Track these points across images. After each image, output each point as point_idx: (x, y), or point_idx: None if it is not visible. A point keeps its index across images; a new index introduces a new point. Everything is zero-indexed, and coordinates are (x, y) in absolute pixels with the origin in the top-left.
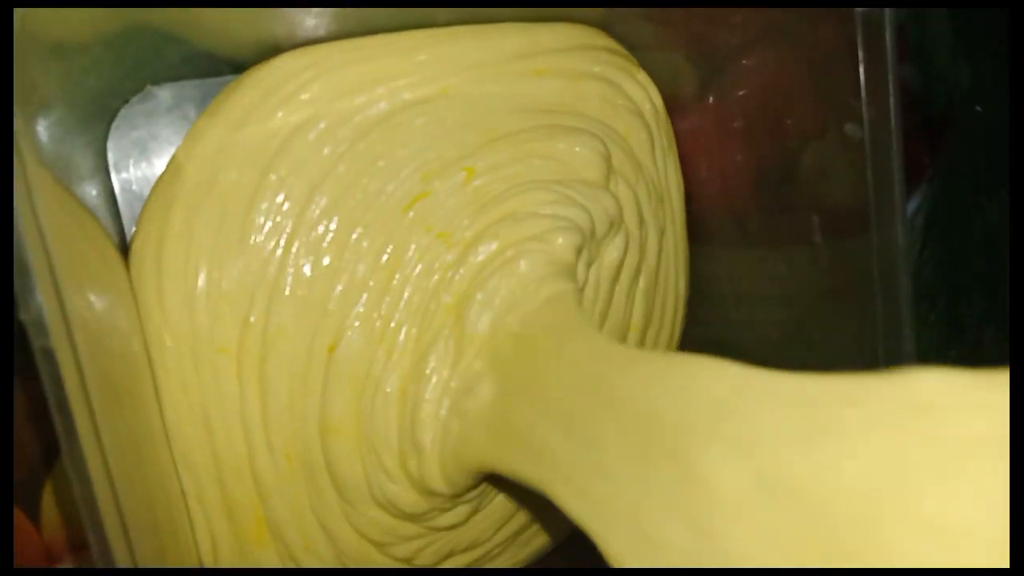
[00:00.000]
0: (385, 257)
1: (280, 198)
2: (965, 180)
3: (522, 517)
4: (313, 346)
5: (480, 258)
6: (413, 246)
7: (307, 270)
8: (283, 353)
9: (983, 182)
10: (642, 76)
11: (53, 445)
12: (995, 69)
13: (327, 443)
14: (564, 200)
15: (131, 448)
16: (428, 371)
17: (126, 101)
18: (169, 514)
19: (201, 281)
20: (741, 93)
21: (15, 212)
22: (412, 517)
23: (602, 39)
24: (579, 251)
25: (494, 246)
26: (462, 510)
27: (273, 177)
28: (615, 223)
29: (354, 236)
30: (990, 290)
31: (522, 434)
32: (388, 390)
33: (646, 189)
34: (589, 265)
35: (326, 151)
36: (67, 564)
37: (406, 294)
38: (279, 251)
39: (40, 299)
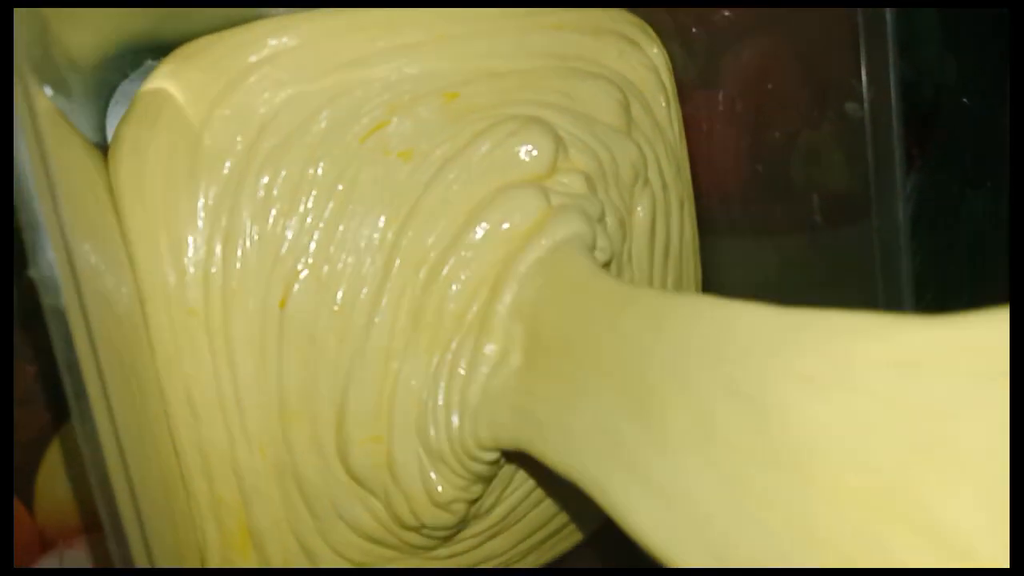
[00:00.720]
0: (340, 187)
1: (237, 139)
2: (952, 172)
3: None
4: (266, 302)
5: (452, 182)
6: (367, 172)
7: (262, 211)
8: (242, 312)
9: (970, 174)
10: (657, 45)
11: (47, 429)
12: (980, 64)
13: (287, 432)
14: (572, 117)
15: (137, 422)
16: (420, 341)
17: (125, 76)
18: (172, 500)
19: (163, 236)
20: (738, 78)
21: (23, 161)
22: (384, 543)
23: (618, 11)
24: (590, 181)
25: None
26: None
27: (224, 112)
28: (640, 173)
29: (309, 172)
30: (978, 281)
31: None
32: (353, 363)
33: (665, 151)
34: (622, 224)
35: (284, 94)
36: (60, 548)
37: (363, 233)
38: (234, 194)
39: (51, 255)
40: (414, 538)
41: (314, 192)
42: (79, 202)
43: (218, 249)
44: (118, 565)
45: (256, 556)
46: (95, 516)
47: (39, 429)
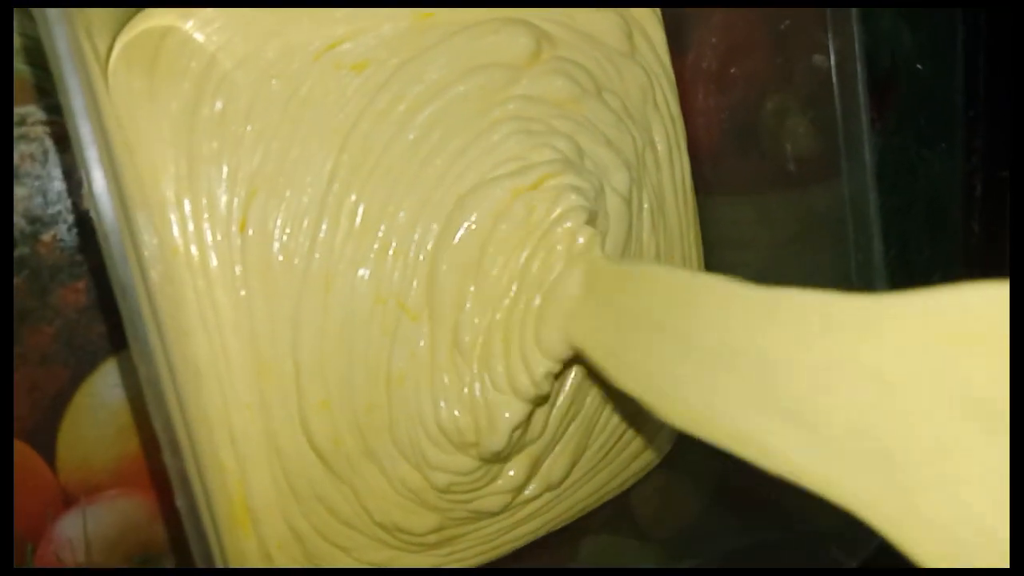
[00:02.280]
0: (291, 105)
1: (191, 64)
2: (909, 135)
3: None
4: (229, 227)
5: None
6: (318, 88)
7: (218, 132)
8: (212, 241)
9: (926, 136)
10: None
11: (67, 387)
12: (933, 32)
13: (263, 390)
14: (572, 33)
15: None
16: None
17: None
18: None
19: (137, 162)
20: (708, 41)
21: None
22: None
23: None
24: (576, 80)
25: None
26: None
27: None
28: (648, 96)
29: (262, 92)
30: (936, 237)
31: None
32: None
33: (668, 84)
34: (639, 156)
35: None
36: (83, 505)
37: (315, 152)
38: (191, 116)
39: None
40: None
41: (267, 112)
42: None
43: (183, 171)
44: (174, 478)
45: (255, 535)
46: (122, 470)
47: (59, 387)
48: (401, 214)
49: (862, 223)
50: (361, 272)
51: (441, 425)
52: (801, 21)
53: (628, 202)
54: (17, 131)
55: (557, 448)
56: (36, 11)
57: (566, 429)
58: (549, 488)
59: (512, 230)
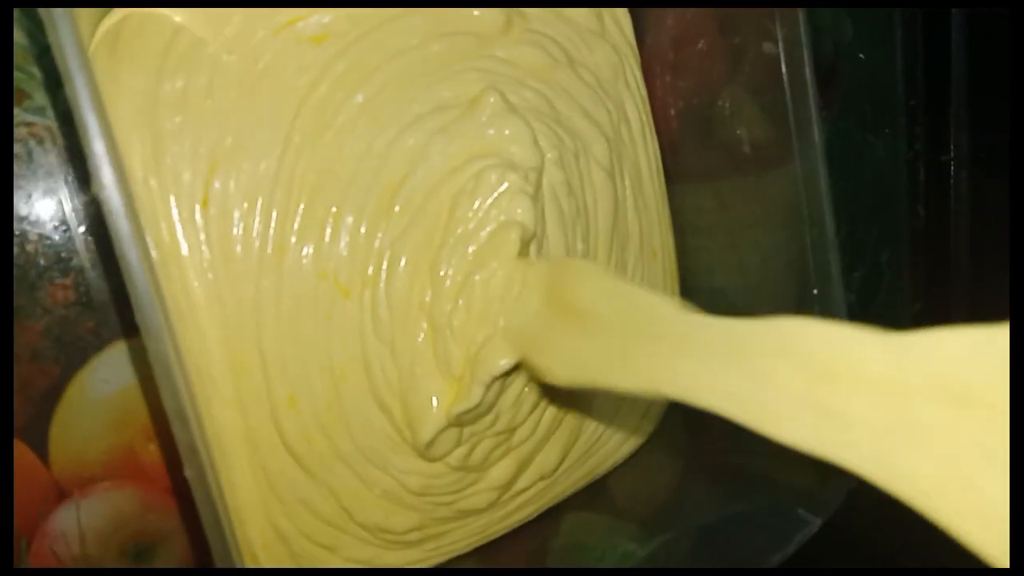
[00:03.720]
0: (248, 79)
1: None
2: (853, 121)
3: None
4: (192, 204)
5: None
6: (283, 58)
7: (179, 108)
8: (178, 218)
9: (870, 122)
10: None
11: (58, 382)
12: (873, 22)
13: (239, 384)
14: (541, 11)
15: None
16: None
17: None
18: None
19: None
20: (662, 36)
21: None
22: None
23: None
24: (550, 55)
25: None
26: None
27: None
28: (618, 73)
29: (220, 66)
30: (882, 217)
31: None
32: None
33: (636, 68)
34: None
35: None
36: (76, 498)
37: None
38: (153, 95)
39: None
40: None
41: (226, 87)
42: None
43: (149, 149)
44: (183, 449)
45: (240, 536)
46: (114, 463)
47: (50, 383)
48: (350, 185)
49: (815, 204)
50: (308, 246)
51: (388, 427)
52: (751, 11)
53: (612, 176)
54: None
55: (550, 441)
56: (42, 10)
57: (560, 423)
58: (542, 478)
59: (459, 212)
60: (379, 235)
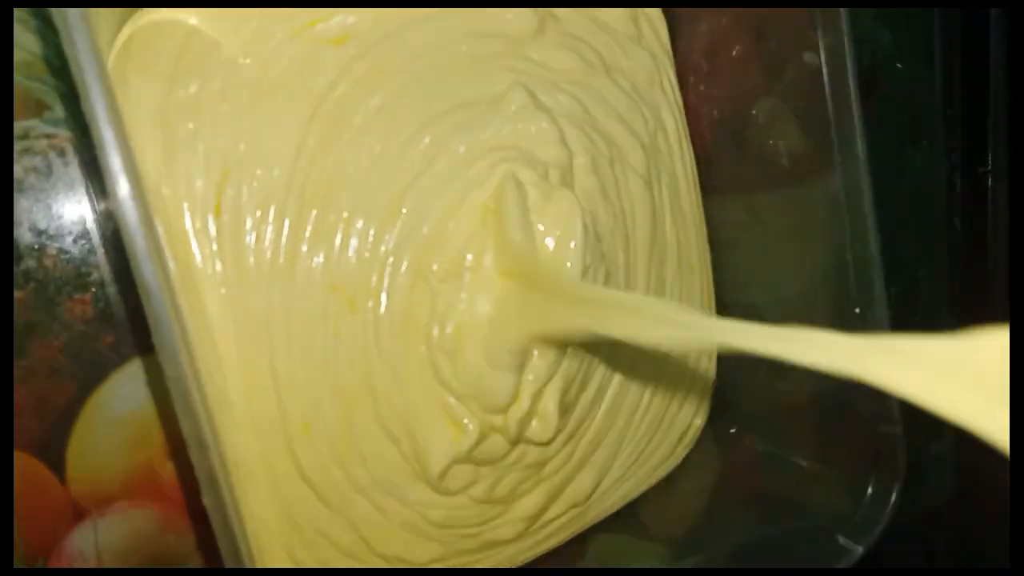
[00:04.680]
0: (262, 84)
1: (165, 44)
2: (892, 131)
3: None
4: (205, 212)
5: None
6: (301, 61)
7: (192, 114)
8: (191, 228)
9: (908, 133)
10: None
11: (76, 399)
12: (911, 31)
13: (251, 404)
14: (574, 12)
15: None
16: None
17: None
18: None
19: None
20: (696, 49)
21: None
22: None
23: None
24: (586, 60)
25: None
26: None
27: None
28: (654, 80)
29: (234, 70)
30: (920, 232)
31: None
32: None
33: (672, 76)
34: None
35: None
36: (94, 517)
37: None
38: (165, 98)
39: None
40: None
41: (241, 91)
42: None
43: (161, 157)
44: (202, 477)
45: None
46: (132, 482)
47: (68, 400)
48: (362, 188)
49: (858, 220)
50: (318, 255)
51: (399, 459)
52: (789, 19)
53: (649, 185)
54: (20, 145)
55: (584, 469)
56: (57, 17)
57: (594, 450)
58: (574, 506)
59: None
60: (385, 239)
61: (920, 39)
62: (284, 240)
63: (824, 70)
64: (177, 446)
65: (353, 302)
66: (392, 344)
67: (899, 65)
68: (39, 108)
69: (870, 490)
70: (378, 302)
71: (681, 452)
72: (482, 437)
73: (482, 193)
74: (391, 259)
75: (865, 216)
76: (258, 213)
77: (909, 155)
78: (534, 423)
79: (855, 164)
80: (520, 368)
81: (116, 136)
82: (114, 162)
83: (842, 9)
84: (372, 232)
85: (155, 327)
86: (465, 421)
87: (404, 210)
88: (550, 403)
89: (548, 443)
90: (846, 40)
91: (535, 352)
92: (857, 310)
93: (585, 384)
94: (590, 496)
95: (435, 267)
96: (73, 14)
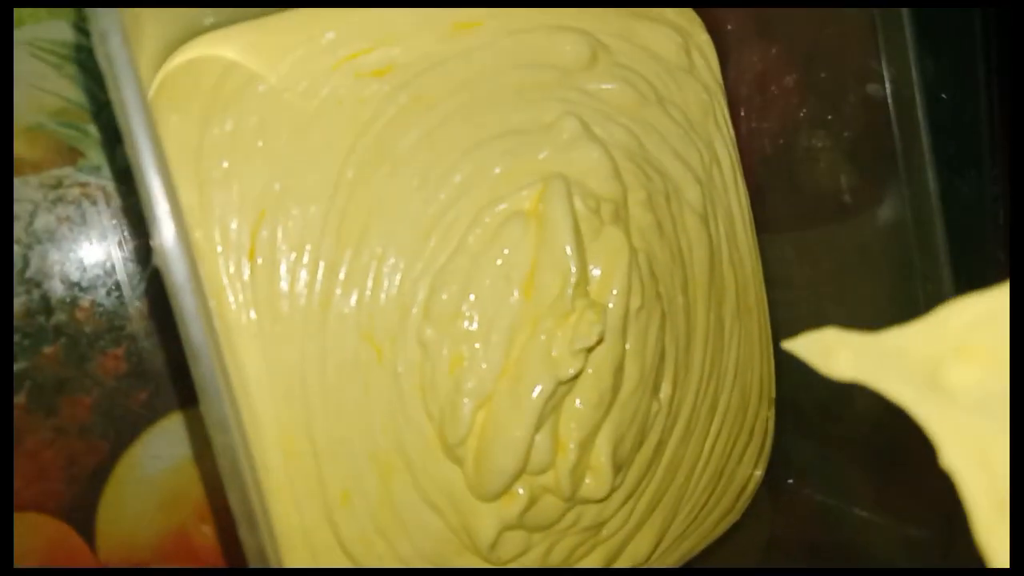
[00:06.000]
0: (298, 120)
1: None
2: (938, 161)
3: None
4: (240, 254)
5: None
6: (341, 94)
7: (228, 152)
8: (224, 268)
9: (954, 163)
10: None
11: (107, 461)
12: (954, 59)
13: (290, 471)
14: (628, 45)
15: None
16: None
17: None
18: None
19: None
20: (745, 74)
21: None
22: None
23: None
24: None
25: None
26: None
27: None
28: (708, 112)
29: (271, 105)
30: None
31: None
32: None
33: (725, 107)
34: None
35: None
36: None
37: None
38: (200, 133)
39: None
40: None
41: (278, 127)
42: None
43: (194, 200)
44: (251, 556)
45: None
46: (164, 546)
47: (99, 461)
48: (397, 222)
49: (931, 259)
50: (351, 297)
51: (444, 529)
52: (847, 48)
53: (705, 222)
54: (53, 193)
55: (643, 529)
56: (102, 56)
57: (654, 509)
58: (633, 565)
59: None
60: (412, 277)
61: (964, 65)
62: (319, 284)
63: (890, 102)
64: (217, 503)
65: (380, 351)
66: (413, 403)
67: (943, 95)
68: (73, 156)
69: (928, 539)
70: (403, 348)
71: (741, 506)
72: (533, 500)
73: (520, 202)
74: (419, 297)
75: (939, 254)
76: (293, 256)
77: (957, 186)
78: (588, 479)
79: (927, 202)
80: (541, 418)
81: (163, 187)
82: (160, 210)
83: (908, 38)
84: (401, 269)
85: (204, 393)
86: (515, 485)
87: (431, 242)
88: (602, 455)
89: (604, 500)
90: (914, 71)
91: (577, 400)
92: None
93: (642, 438)
94: (649, 557)
95: (465, 324)
96: (120, 59)
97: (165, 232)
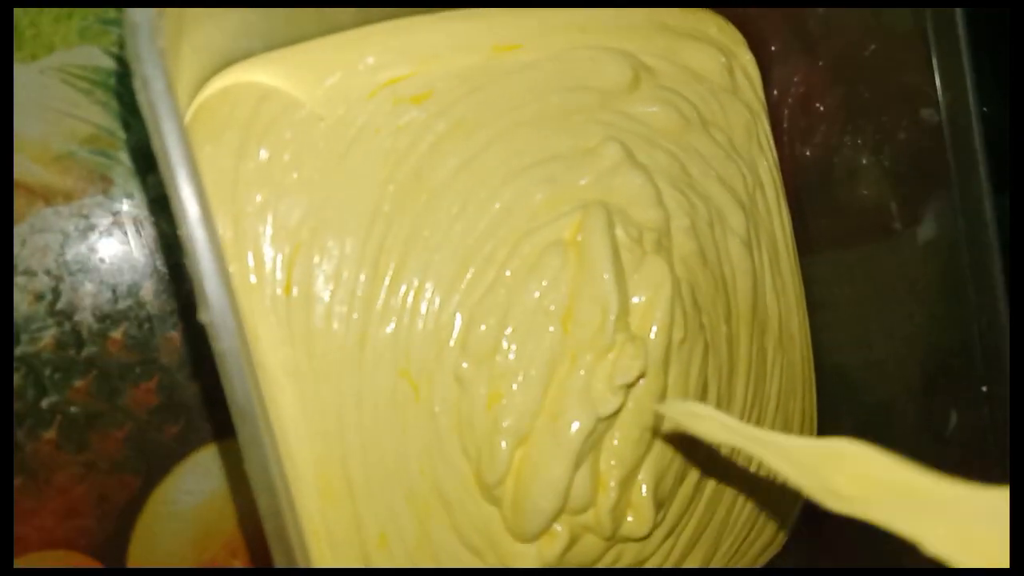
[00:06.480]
0: (336, 150)
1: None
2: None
3: None
4: (274, 288)
5: None
6: (378, 121)
7: (263, 182)
8: (257, 301)
9: (996, 179)
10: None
11: (139, 496)
12: (994, 73)
13: (326, 512)
14: (672, 67)
15: None
16: None
17: None
18: None
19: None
20: (786, 94)
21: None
22: None
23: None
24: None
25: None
26: None
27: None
28: (752, 133)
29: (305, 136)
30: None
31: None
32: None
33: (769, 129)
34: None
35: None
36: None
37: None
38: (236, 161)
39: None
40: None
41: (314, 157)
42: None
43: (229, 233)
44: None
45: None
46: None
47: (130, 496)
48: (436, 251)
49: (987, 289)
50: (387, 330)
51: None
52: (896, 70)
53: (749, 248)
54: (84, 222)
55: (684, 563)
56: (139, 87)
57: (695, 544)
58: None
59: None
60: (449, 310)
61: (1001, 79)
62: (355, 318)
63: (945, 128)
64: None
65: (418, 389)
66: (451, 443)
67: (985, 109)
68: (104, 184)
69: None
70: (437, 385)
71: (782, 538)
72: (573, 540)
73: (560, 230)
74: (454, 330)
75: (996, 285)
76: (329, 289)
77: (1000, 202)
78: (630, 517)
79: (984, 233)
80: (580, 456)
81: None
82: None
83: (966, 63)
84: (438, 300)
85: (248, 450)
86: (554, 524)
87: (469, 274)
88: (644, 492)
89: (646, 538)
90: (971, 97)
91: (617, 436)
92: (984, 388)
93: (683, 475)
94: None
95: (499, 358)
96: (157, 88)
97: (216, 306)
